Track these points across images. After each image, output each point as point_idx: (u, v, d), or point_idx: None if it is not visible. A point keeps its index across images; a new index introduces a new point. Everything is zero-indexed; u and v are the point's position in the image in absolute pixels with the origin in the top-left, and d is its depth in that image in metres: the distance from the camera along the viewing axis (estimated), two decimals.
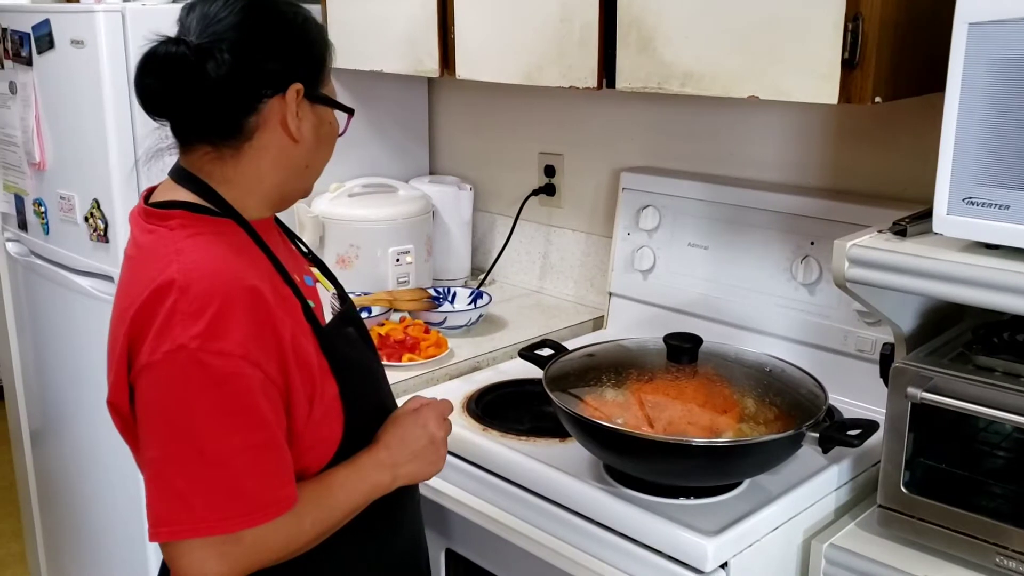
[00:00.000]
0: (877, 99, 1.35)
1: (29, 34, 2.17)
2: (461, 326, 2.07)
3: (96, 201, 2.10)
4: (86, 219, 2.15)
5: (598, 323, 2.18)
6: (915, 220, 1.30)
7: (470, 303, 2.16)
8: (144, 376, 1.06)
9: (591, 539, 1.38)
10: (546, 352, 1.63)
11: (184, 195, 1.17)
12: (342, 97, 1.25)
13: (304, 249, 1.37)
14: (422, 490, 1.44)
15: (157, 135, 1.20)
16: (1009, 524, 1.23)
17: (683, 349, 1.47)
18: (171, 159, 1.22)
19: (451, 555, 1.62)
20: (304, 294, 1.20)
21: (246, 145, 1.16)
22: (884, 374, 1.37)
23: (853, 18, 1.32)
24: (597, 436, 1.39)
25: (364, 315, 1.95)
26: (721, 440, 1.32)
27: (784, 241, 1.78)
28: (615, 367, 1.50)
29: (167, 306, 1.05)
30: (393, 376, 1.61)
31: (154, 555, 2.18)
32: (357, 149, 2.39)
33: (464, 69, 1.91)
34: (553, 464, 1.47)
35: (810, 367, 1.52)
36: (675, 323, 1.84)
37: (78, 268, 2.24)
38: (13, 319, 2.72)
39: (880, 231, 1.32)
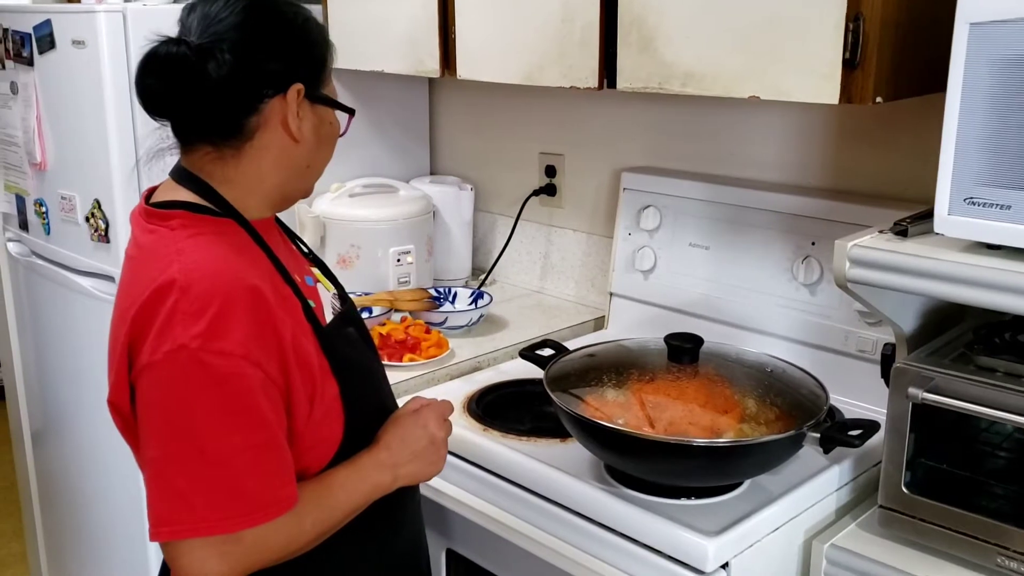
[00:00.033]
0: (878, 99, 1.35)
1: (30, 34, 2.17)
2: (462, 326, 2.07)
3: (97, 201, 2.10)
4: (87, 219, 2.15)
5: (599, 323, 2.18)
6: (916, 220, 1.30)
7: (471, 303, 2.16)
8: (145, 376, 1.06)
9: (592, 539, 1.38)
10: (547, 352, 1.63)
11: (185, 195, 1.17)
12: (343, 97, 1.25)
13: (305, 249, 1.37)
14: (423, 490, 1.44)
15: (158, 135, 1.20)
16: (1010, 524, 1.23)
17: (684, 349, 1.47)
18: (172, 159, 1.22)
19: (452, 555, 1.62)
20: (305, 294, 1.20)
21: (247, 145, 1.16)
22: (885, 374, 1.37)
23: (854, 18, 1.32)
24: (598, 436, 1.39)
25: (365, 315, 1.95)
26: (722, 440, 1.32)
27: (785, 241, 1.78)
28: (616, 367, 1.50)
29: (168, 306, 1.05)
30: (394, 376, 1.61)
31: (155, 555, 2.18)
32: (358, 149, 2.39)
33: (465, 69, 1.91)
34: (554, 464, 1.47)
35: (811, 367, 1.52)
36: (676, 323, 1.84)
37: (79, 268, 2.24)
38: (14, 319, 2.72)
39: (881, 231, 1.32)
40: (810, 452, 1.42)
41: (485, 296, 2.16)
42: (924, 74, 1.40)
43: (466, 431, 1.60)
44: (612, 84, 1.65)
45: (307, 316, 1.17)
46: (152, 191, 1.22)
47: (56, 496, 2.68)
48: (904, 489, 1.32)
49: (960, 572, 1.28)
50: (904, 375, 1.30)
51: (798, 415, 1.37)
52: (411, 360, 1.87)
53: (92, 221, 2.13)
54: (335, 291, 1.34)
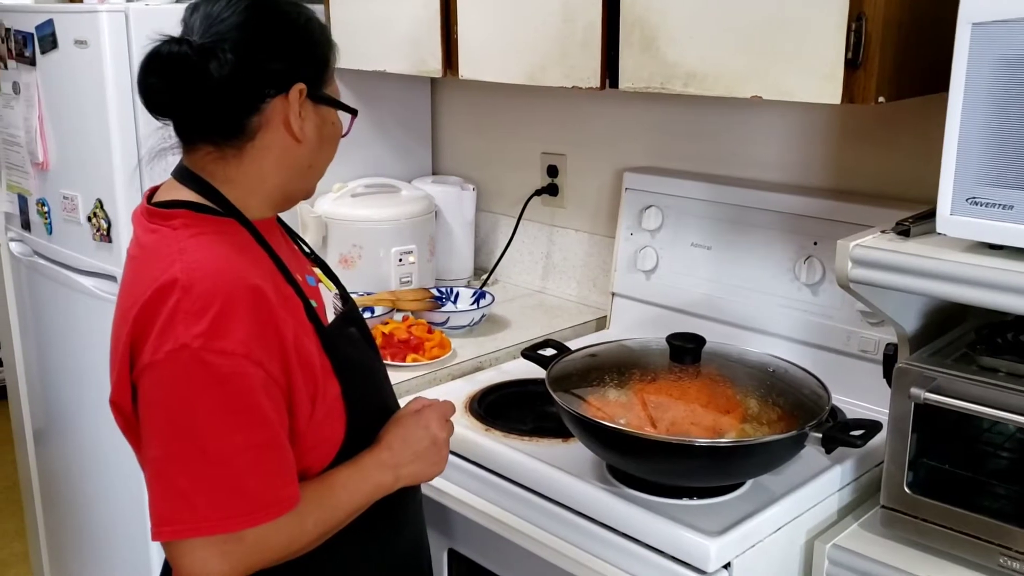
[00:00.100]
0: (880, 99, 1.35)
1: (33, 34, 2.17)
2: (464, 326, 2.07)
3: (99, 201, 2.11)
4: (89, 219, 2.15)
5: (601, 323, 2.18)
6: (918, 220, 1.29)
7: (473, 303, 2.16)
8: (147, 375, 1.06)
9: (594, 539, 1.38)
10: (549, 352, 1.63)
11: (187, 195, 1.17)
12: (345, 97, 1.25)
13: (306, 249, 1.37)
14: (424, 490, 1.44)
15: (160, 135, 1.20)
16: (1012, 525, 1.23)
17: (686, 349, 1.47)
18: (174, 159, 1.22)
19: (453, 555, 1.62)
20: (306, 294, 1.20)
21: (249, 145, 1.16)
22: (887, 374, 1.37)
23: (856, 18, 1.32)
24: (600, 436, 1.39)
25: (367, 315, 1.95)
26: (724, 440, 1.32)
27: (787, 241, 1.78)
28: (618, 367, 1.50)
29: (170, 305, 1.05)
30: (396, 376, 1.61)
31: (156, 554, 2.18)
32: (360, 149, 2.39)
33: (467, 69, 1.91)
34: (556, 464, 1.47)
35: (813, 367, 1.52)
36: (678, 323, 1.84)
37: (81, 268, 2.24)
38: (16, 319, 2.72)
39: (883, 231, 1.32)
40: (812, 452, 1.42)
41: (487, 296, 2.16)
42: (926, 74, 1.40)
43: (468, 431, 1.60)
44: (614, 84, 1.65)
45: (309, 316, 1.17)
46: (154, 191, 1.22)
47: (58, 496, 2.68)
48: (906, 489, 1.32)
49: (962, 572, 1.28)
50: (906, 375, 1.29)
51: (800, 415, 1.36)
52: (414, 360, 1.88)
53: (94, 221, 2.13)
54: (337, 291, 1.35)
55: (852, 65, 1.34)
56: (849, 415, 1.60)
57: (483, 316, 2.10)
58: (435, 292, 2.17)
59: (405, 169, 2.53)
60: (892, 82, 1.36)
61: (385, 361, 1.51)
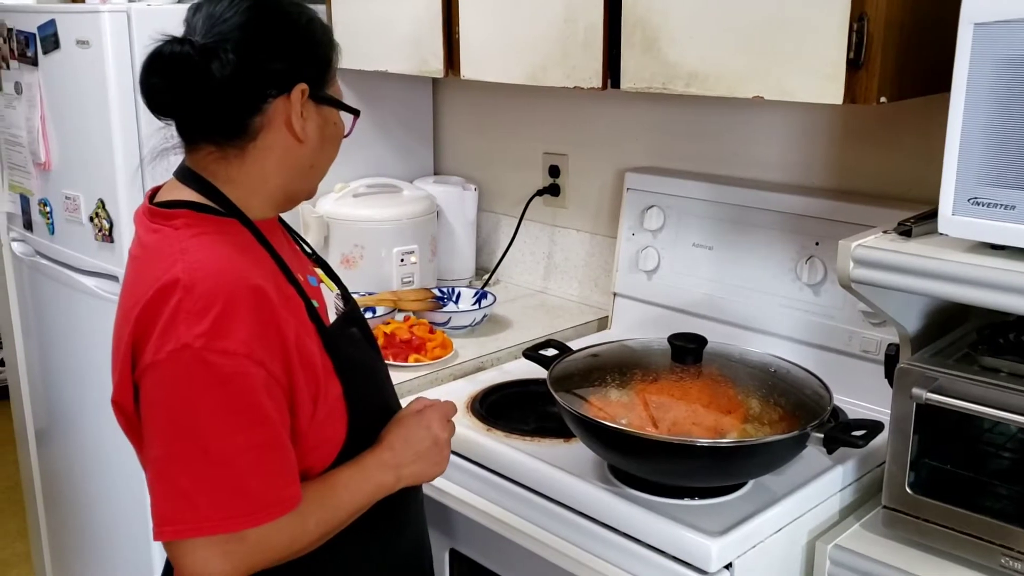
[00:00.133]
0: (882, 99, 1.35)
1: (35, 34, 2.18)
2: (465, 326, 2.07)
3: (101, 201, 2.11)
4: (91, 219, 2.15)
5: (602, 323, 2.18)
6: (920, 220, 1.29)
7: (474, 303, 2.16)
8: (148, 375, 1.06)
9: (595, 539, 1.38)
10: (550, 352, 1.63)
11: (189, 195, 1.17)
12: (346, 97, 1.25)
13: (308, 250, 1.37)
14: (426, 490, 1.44)
15: (162, 135, 1.20)
16: (1014, 525, 1.23)
17: (687, 349, 1.47)
18: (176, 159, 1.22)
19: (455, 555, 1.62)
20: (308, 294, 1.20)
21: (250, 145, 1.16)
22: (889, 375, 1.37)
23: (858, 18, 1.32)
24: (601, 436, 1.39)
25: (368, 315, 1.95)
26: (726, 441, 1.32)
27: (789, 241, 1.78)
28: (619, 367, 1.50)
29: (172, 305, 1.05)
30: (398, 376, 1.62)
31: (158, 554, 2.17)
32: (362, 149, 2.39)
33: (468, 69, 1.91)
34: (557, 464, 1.47)
35: (815, 368, 1.52)
36: (679, 323, 1.84)
37: (83, 268, 2.24)
38: (18, 319, 2.72)
39: (885, 231, 1.32)
40: (814, 452, 1.42)
41: (489, 296, 2.16)
42: (928, 74, 1.40)
43: (470, 431, 1.60)
44: (616, 84, 1.65)
45: (310, 316, 1.17)
46: (156, 191, 1.22)
47: (60, 496, 2.68)
48: (908, 490, 1.31)
49: (964, 573, 1.28)
50: (908, 375, 1.29)
51: (802, 415, 1.36)
52: (416, 360, 1.88)
53: (96, 221, 2.14)
54: (338, 291, 1.35)
55: (854, 65, 1.34)
56: (851, 415, 1.60)
57: (485, 316, 2.10)
58: (437, 292, 2.17)
59: (407, 169, 2.53)
60: (894, 82, 1.36)
61: (387, 361, 1.51)
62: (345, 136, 1.27)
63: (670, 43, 1.55)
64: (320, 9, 2.06)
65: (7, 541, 3.49)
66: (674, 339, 1.48)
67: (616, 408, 1.40)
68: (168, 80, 1.11)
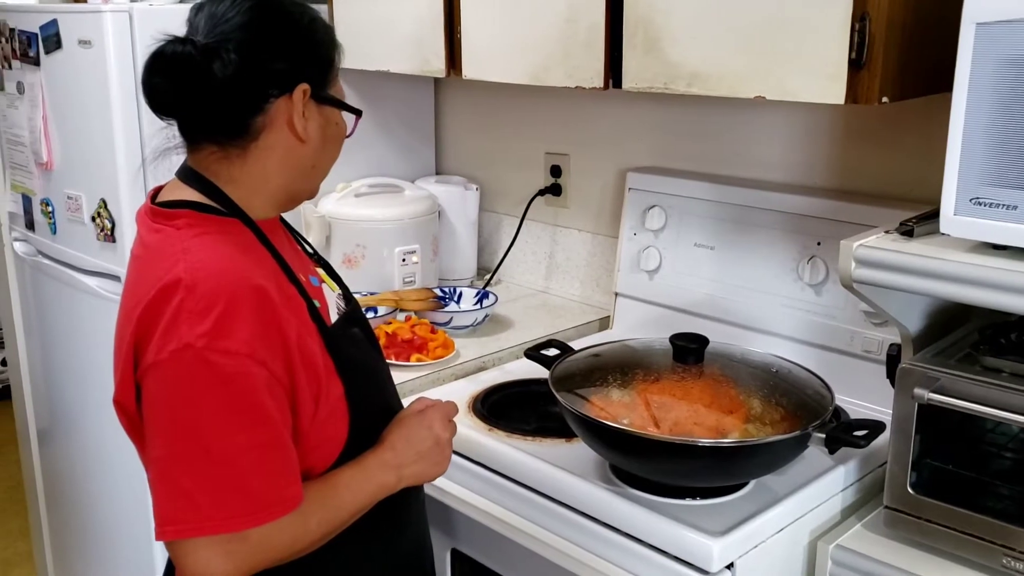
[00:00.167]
0: (884, 99, 1.35)
1: (37, 34, 2.18)
2: (467, 326, 2.07)
3: (103, 201, 2.11)
4: (93, 219, 2.15)
5: (604, 323, 2.18)
6: (922, 220, 1.29)
7: (476, 303, 2.16)
8: (150, 375, 1.06)
9: (597, 539, 1.38)
10: (552, 352, 1.63)
11: (191, 194, 1.17)
12: (348, 97, 1.25)
13: (309, 250, 1.37)
14: (427, 490, 1.44)
15: (164, 135, 1.20)
16: (1016, 525, 1.23)
17: (689, 349, 1.47)
18: (178, 159, 1.22)
19: (456, 555, 1.62)
20: (310, 294, 1.20)
21: (252, 145, 1.16)
22: (891, 375, 1.37)
23: (860, 18, 1.32)
24: (603, 436, 1.39)
25: (370, 315, 1.96)
26: (727, 441, 1.32)
27: (790, 241, 1.78)
28: (621, 367, 1.50)
29: (174, 305, 1.05)
30: (399, 376, 1.62)
31: (160, 554, 2.17)
32: (363, 149, 2.39)
33: (470, 69, 1.91)
34: (559, 464, 1.47)
35: (816, 368, 1.52)
36: (681, 323, 1.84)
37: (85, 268, 2.24)
38: (20, 319, 2.72)
39: (887, 231, 1.32)
40: (815, 452, 1.42)
41: (490, 296, 2.16)
42: (930, 74, 1.40)
43: (471, 431, 1.60)
44: (617, 84, 1.65)
45: (312, 316, 1.17)
46: (158, 190, 1.22)
47: (62, 495, 2.68)
48: (910, 490, 1.31)
49: (965, 573, 1.28)
50: (910, 376, 1.29)
51: (803, 415, 1.36)
52: (419, 360, 1.88)
53: (98, 221, 2.14)
54: (340, 291, 1.35)
55: (856, 65, 1.34)
56: (852, 415, 1.60)
57: (486, 316, 2.10)
58: (438, 292, 2.17)
59: (409, 169, 2.53)
60: (896, 82, 1.36)
61: (389, 361, 1.51)
62: (347, 136, 1.27)
63: (672, 43, 1.55)
64: (322, 9, 2.06)
65: (9, 540, 3.50)
66: (676, 339, 1.48)
67: (618, 408, 1.40)
68: (170, 80, 1.11)
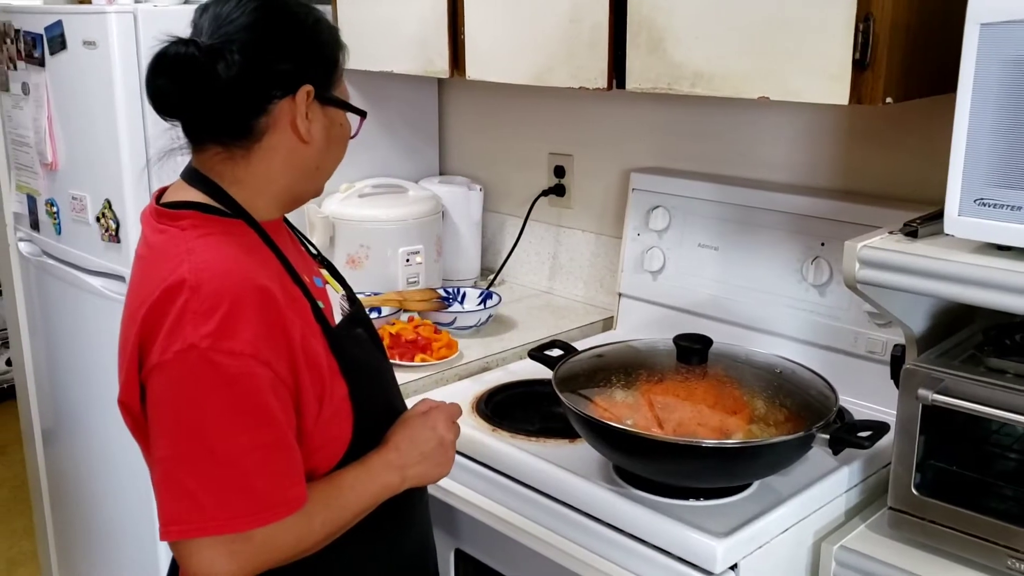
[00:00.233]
0: (888, 100, 1.35)
1: (41, 35, 2.18)
2: (471, 326, 2.07)
3: (108, 201, 2.11)
4: (98, 219, 2.16)
5: (607, 324, 2.18)
6: (926, 221, 1.29)
7: (480, 303, 2.16)
8: (155, 375, 1.06)
9: (600, 540, 1.38)
10: (555, 353, 1.63)
11: (195, 195, 1.17)
12: (352, 98, 1.25)
13: (313, 251, 1.38)
14: (431, 490, 1.44)
15: (169, 135, 1.21)
16: (1020, 526, 1.23)
17: (693, 350, 1.47)
18: (183, 159, 1.22)
19: (460, 555, 1.62)
20: (313, 295, 1.20)
21: (256, 146, 1.16)
22: (895, 376, 1.37)
23: (864, 19, 1.32)
24: (606, 437, 1.39)
25: (374, 315, 1.96)
26: (731, 441, 1.32)
27: (794, 242, 1.78)
28: (625, 368, 1.50)
29: (178, 305, 1.05)
30: (403, 376, 1.62)
31: (164, 553, 2.18)
32: (367, 150, 2.39)
33: (474, 70, 1.91)
34: (562, 465, 1.47)
35: (820, 368, 1.52)
36: (685, 324, 1.84)
37: (90, 268, 2.25)
38: (25, 319, 2.73)
39: (891, 232, 1.32)
40: (819, 453, 1.42)
41: (494, 296, 2.16)
42: (934, 75, 1.39)
43: (475, 431, 1.60)
44: (621, 85, 1.65)
45: (316, 317, 1.18)
46: (163, 191, 1.22)
47: (66, 495, 2.69)
48: (914, 491, 1.31)
49: (969, 574, 1.28)
50: (914, 376, 1.29)
51: (807, 416, 1.36)
52: (423, 360, 1.88)
53: (103, 221, 2.14)
54: (343, 292, 1.35)
55: (860, 66, 1.34)
56: (856, 416, 1.60)
57: (490, 316, 2.10)
58: (442, 292, 2.17)
59: (412, 169, 2.54)
60: (900, 83, 1.36)
61: (393, 361, 1.51)
62: (351, 137, 1.27)
63: (676, 43, 1.55)
64: (325, 10, 2.06)
65: (14, 540, 3.50)
66: (679, 340, 1.48)
67: (621, 409, 1.40)
68: (174, 81, 1.11)
